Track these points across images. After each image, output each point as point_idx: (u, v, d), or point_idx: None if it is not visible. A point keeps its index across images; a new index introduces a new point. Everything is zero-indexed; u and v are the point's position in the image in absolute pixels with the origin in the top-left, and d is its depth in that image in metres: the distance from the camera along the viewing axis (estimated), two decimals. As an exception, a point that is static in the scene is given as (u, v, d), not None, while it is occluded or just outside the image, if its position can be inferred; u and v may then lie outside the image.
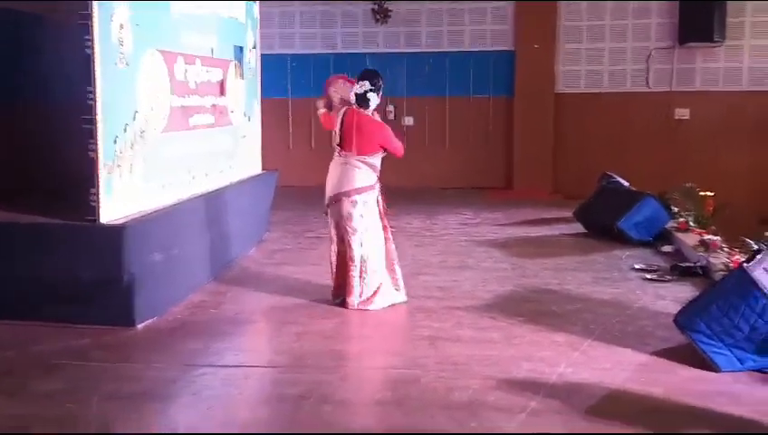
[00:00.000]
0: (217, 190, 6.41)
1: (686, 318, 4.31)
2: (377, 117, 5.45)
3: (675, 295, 5.55)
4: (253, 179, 7.44)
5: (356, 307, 5.24)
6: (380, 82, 5.36)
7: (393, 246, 5.52)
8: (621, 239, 7.47)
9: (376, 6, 11.53)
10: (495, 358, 4.34)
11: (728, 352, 4.12)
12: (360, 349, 4.48)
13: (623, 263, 6.72)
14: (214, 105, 6.52)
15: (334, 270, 5.45)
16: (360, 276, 5.27)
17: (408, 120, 11.65)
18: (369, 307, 5.26)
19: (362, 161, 5.29)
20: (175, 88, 5.65)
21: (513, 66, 11.30)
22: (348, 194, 5.26)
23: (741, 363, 4.08)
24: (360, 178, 5.28)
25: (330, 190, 5.33)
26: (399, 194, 11.27)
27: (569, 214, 8.59)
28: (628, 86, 11.28)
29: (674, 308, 4.75)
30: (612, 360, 4.31)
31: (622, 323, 4.97)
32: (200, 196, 6.03)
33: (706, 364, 4.12)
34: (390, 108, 11.65)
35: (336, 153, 5.35)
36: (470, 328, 4.89)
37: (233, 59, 7.02)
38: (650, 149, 10.93)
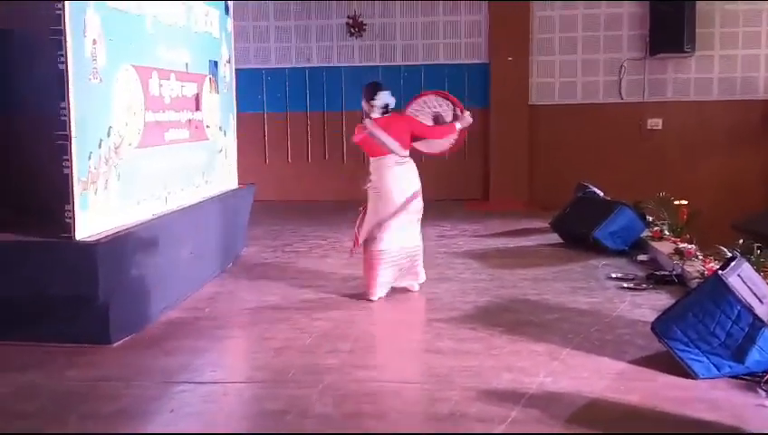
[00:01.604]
0: (194, 205, 6.37)
1: (662, 326, 4.35)
2: (368, 123, 5.95)
3: (651, 304, 5.60)
4: (229, 194, 7.41)
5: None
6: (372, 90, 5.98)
7: None
8: (597, 249, 7.52)
9: (350, 20, 11.57)
10: (476, 369, 4.34)
11: (705, 359, 4.15)
12: (341, 362, 4.46)
13: (600, 272, 6.76)
14: (189, 120, 6.49)
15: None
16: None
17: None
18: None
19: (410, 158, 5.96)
20: (149, 103, 5.62)
21: (487, 79, 11.38)
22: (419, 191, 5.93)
23: (718, 370, 4.11)
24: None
25: (410, 188, 5.86)
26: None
27: (545, 224, 8.64)
28: (602, 97, 11.40)
29: (651, 316, 4.78)
30: (591, 368, 4.33)
31: (600, 331, 5.00)
32: (176, 211, 5.99)
33: (684, 371, 4.14)
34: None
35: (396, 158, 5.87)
36: (450, 339, 4.89)
37: (207, 73, 7.00)
38: (624, 159, 11.04)
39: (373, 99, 5.89)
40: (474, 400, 3.89)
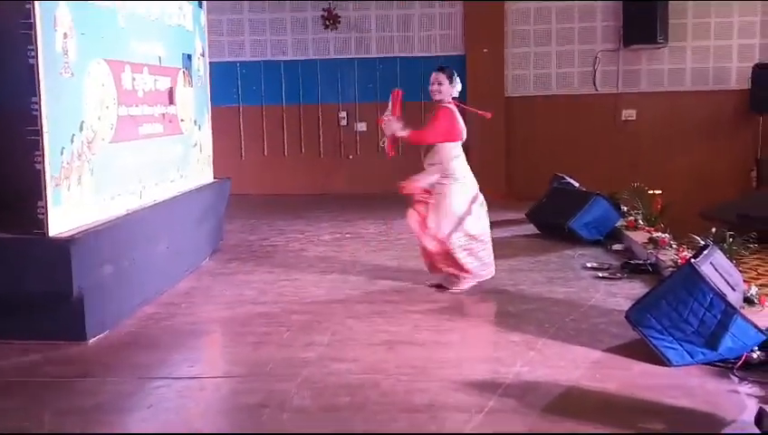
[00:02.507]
0: (169, 200, 6.33)
1: (637, 314, 4.39)
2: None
3: (626, 293, 5.66)
4: (205, 188, 7.37)
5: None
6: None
7: None
8: (573, 239, 7.58)
9: (325, 13, 11.53)
10: (453, 360, 4.36)
11: (679, 347, 4.20)
12: (318, 355, 4.46)
13: (575, 262, 6.82)
14: (163, 114, 6.44)
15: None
16: None
17: (361, 126, 11.67)
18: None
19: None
20: (122, 97, 5.57)
21: (463, 70, 11.38)
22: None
23: (692, 357, 4.16)
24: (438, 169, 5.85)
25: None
26: (354, 200, 11.33)
27: (521, 215, 8.69)
28: (576, 88, 11.47)
29: (626, 305, 4.83)
30: (567, 358, 4.37)
31: (576, 321, 5.05)
32: (151, 206, 5.95)
33: (658, 359, 4.19)
34: (343, 114, 11.66)
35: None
36: (428, 331, 4.91)
37: (181, 67, 6.94)
38: (599, 150, 11.12)
39: (453, 82, 5.87)
40: (451, 390, 3.91)
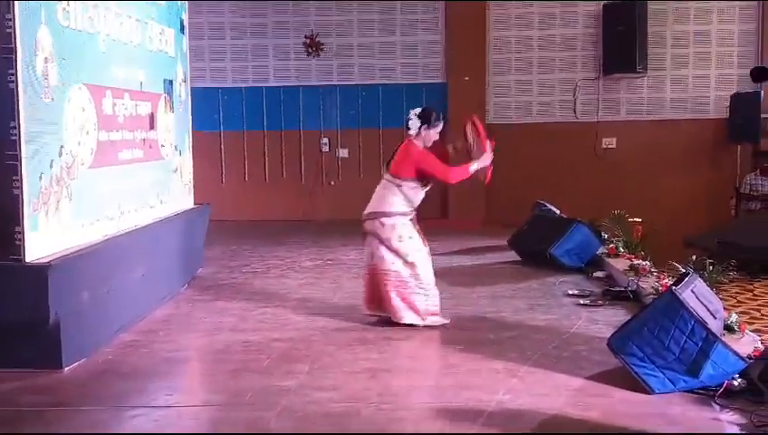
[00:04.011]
0: (148, 226, 6.28)
1: (618, 341, 4.39)
2: (420, 144, 5.61)
3: (607, 320, 5.65)
4: (185, 214, 7.32)
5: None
6: (432, 119, 5.57)
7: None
8: (554, 266, 7.59)
9: (308, 40, 11.58)
10: (435, 387, 4.33)
11: (660, 374, 4.19)
12: (299, 384, 4.41)
13: (557, 289, 6.82)
14: (143, 139, 6.41)
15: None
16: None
17: (343, 153, 11.69)
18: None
19: (392, 182, 5.56)
20: (102, 122, 5.53)
21: (445, 98, 11.46)
22: (372, 216, 5.56)
23: (673, 385, 4.16)
24: (386, 202, 5.55)
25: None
26: (336, 226, 11.29)
27: (503, 242, 8.69)
28: (557, 116, 11.58)
29: (607, 332, 4.82)
30: (549, 385, 4.35)
31: (558, 348, 5.03)
32: (130, 232, 5.89)
33: (640, 387, 4.18)
34: (325, 140, 11.68)
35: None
36: (409, 358, 4.87)
37: (162, 92, 6.93)
38: (580, 178, 11.19)
39: (435, 125, 5.61)
40: (433, 418, 3.87)
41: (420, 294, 5.56)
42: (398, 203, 5.57)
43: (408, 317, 5.51)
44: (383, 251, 5.53)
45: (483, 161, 5.76)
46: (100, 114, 5.48)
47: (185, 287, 6.99)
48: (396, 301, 5.51)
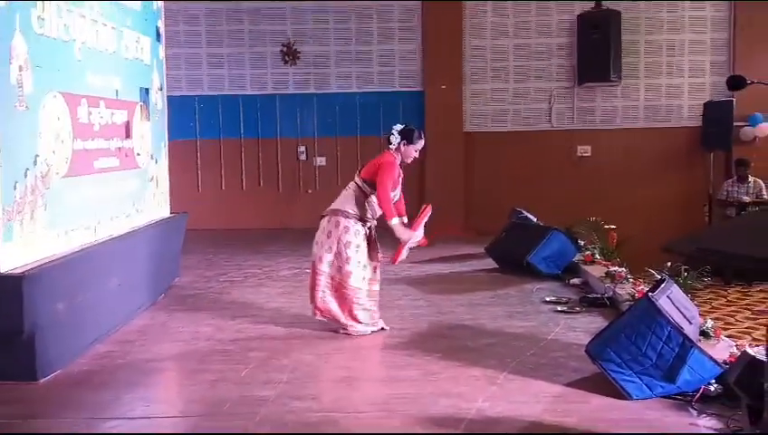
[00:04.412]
0: (124, 235, 6.22)
1: (596, 348, 4.42)
2: (394, 156, 5.65)
3: (585, 326, 5.69)
4: (161, 223, 7.26)
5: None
6: (412, 136, 5.65)
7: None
8: (532, 273, 7.63)
9: (285, 48, 11.57)
10: (414, 395, 4.32)
11: (638, 380, 4.23)
12: (278, 393, 4.38)
13: (534, 296, 6.85)
14: (119, 148, 6.35)
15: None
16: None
17: (320, 161, 11.68)
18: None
19: (359, 186, 5.61)
20: (78, 131, 5.48)
21: (422, 106, 11.50)
22: (333, 213, 5.60)
23: (651, 390, 4.19)
24: (349, 204, 5.58)
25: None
26: (313, 234, 11.18)
27: (481, 250, 8.72)
28: (533, 125, 11.65)
29: (585, 339, 4.86)
30: (528, 392, 4.37)
31: (536, 355, 5.05)
32: (106, 241, 5.83)
33: (618, 393, 4.21)
34: (302, 148, 11.67)
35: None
36: (388, 367, 4.87)
37: (138, 101, 6.88)
38: (556, 185, 11.27)
39: (415, 142, 5.67)
40: (413, 426, 3.86)
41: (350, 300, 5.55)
42: (359, 208, 5.60)
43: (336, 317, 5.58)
44: (326, 250, 5.55)
45: (400, 231, 5.64)
46: (75, 123, 5.44)
47: (161, 297, 6.94)
48: (320, 301, 5.57)
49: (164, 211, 7.61)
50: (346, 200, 5.65)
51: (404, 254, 5.71)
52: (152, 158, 7.26)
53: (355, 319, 5.57)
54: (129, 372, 4.87)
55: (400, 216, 5.72)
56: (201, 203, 10.91)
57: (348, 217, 5.57)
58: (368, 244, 5.63)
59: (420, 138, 5.71)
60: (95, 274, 5.46)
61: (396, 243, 5.66)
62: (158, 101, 7.49)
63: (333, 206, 5.68)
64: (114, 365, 5.00)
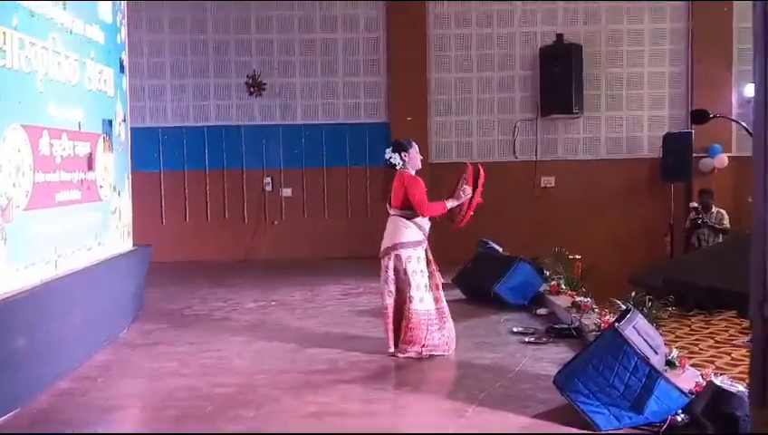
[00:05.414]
0: (86, 269, 6.10)
1: (564, 379, 4.42)
2: (409, 172, 5.92)
3: (552, 357, 5.70)
4: (124, 256, 7.15)
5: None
6: (405, 145, 5.92)
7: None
8: (499, 303, 7.65)
9: (250, 80, 11.58)
10: (383, 429, 4.28)
11: (606, 411, 4.23)
12: (245, 429, 4.30)
13: (501, 327, 6.86)
14: (81, 180, 6.26)
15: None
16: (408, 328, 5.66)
17: (286, 192, 11.65)
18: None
19: (399, 215, 5.80)
20: (39, 163, 5.39)
21: (388, 137, 11.52)
22: (391, 249, 5.76)
23: (618, 421, 4.19)
24: (400, 234, 5.76)
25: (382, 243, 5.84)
26: (279, 266, 11.19)
27: (448, 280, 8.70)
28: (497, 156, 11.77)
29: (552, 370, 4.86)
30: (496, 424, 4.34)
31: (504, 387, 5.04)
32: (68, 275, 5.72)
33: (586, 424, 4.21)
34: (267, 180, 11.63)
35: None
36: (357, 401, 4.81)
37: (101, 132, 6.80)
38: (520, 216, 11.36)
39: (411, 146, 5.94)
40: (382, 463, 3.81)
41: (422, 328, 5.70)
42: (410, 233, 5.80)
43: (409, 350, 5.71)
44: (408, 287, 5.70)
45: (457, 199, 6.07)
46: (36, 155, 5.35)
47: (125, 331, 6.80)
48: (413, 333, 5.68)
49: (127, 244, 7.49)
50: (395, 234, 5.80)
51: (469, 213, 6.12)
52: (115, 190, 7.17)
53: (432, 341, 5.71)
54: (89, 411, 4.75)
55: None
56: (165, 235, 10.80)
57: (405, 247, 5.72)
58: (427, 264, 5.86)
59: (410, 142, 5.94)
60: (57, 308, 5.34)
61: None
62: (122, 132, 7.42)
63: (386, 244, 5.81)
64: (75, 403, 4.88)
